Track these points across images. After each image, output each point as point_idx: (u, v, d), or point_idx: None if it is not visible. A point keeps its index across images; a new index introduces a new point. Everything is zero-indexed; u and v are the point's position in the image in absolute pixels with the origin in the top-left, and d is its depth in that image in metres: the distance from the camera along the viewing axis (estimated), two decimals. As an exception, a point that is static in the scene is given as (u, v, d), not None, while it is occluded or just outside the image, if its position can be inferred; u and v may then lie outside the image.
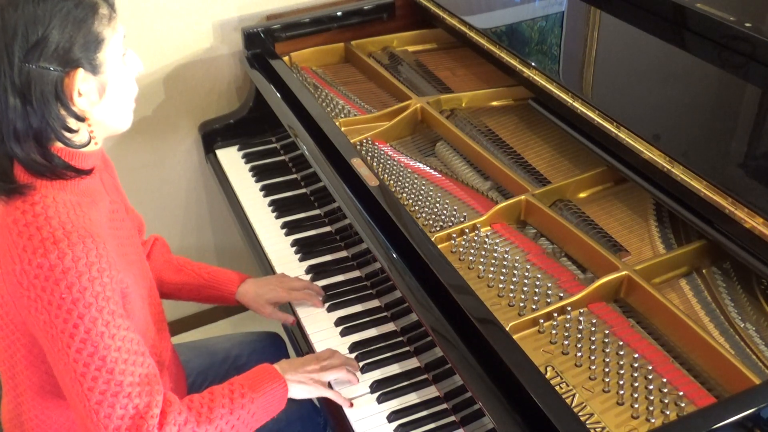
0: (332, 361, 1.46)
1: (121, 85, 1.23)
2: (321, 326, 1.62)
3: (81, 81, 1.16)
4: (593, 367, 1.31)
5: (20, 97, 1.13)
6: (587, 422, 1.23)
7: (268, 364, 1.40)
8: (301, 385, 1.39)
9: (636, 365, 1.30)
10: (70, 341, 1.13)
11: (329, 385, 1.46)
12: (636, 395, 1.26)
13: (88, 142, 1.23)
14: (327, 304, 1.66)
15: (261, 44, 2.19)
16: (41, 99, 1.13)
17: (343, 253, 1.81)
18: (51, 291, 1.12)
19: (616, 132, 1.52)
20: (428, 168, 1.82)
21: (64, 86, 1.15)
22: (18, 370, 1.30)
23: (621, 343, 1.35)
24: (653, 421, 1.23)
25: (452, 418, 1.40)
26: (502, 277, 1.50)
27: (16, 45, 1.11)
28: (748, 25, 1.61)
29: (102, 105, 1.21)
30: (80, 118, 1.19)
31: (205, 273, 1.67)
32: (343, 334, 1.59)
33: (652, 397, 1.25)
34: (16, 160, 1.18)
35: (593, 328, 1.37)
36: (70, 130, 1.19)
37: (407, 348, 1.55)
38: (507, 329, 1.33)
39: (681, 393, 1.25)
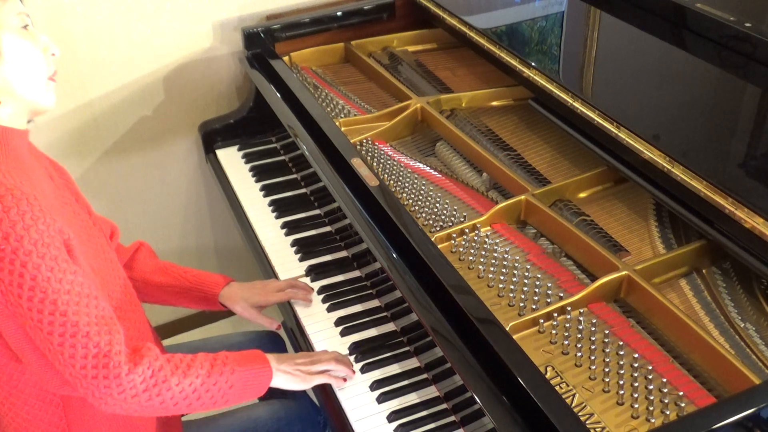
0: (322, 356, 1.47)
1: (20, 53, 1.23)
2: (321, 326, 1.62)
3: None
4: (593, 367, 1.31)
5: None
6: (587, 422, 1.23)
7: (259, 350, 1.42)
8: (287, 375, 1.41)
9: (636, 365, 1.30)
10: (20, 291, 1.15)
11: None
12: (636, 395, 1.26)
13: None
14: (327, 304, 1.66)
15: (261, 44, 2.19)
16: None
17: (343, 253, 1.81)
18: None
19: (616, 132, 1.52)
20: (428, 168, 1.82)
21: None
22: None
23: (621, 343, 1.35)
24: (653, 421, 1.23)
25: (452, 418, 1.40)
26: (502, 277, 1.50)
27: None
28: (748, 25, 1.62)
29: (2, 68, 1.22)
30: None
31: (190, 276, 1.66)
32: (343, 334, 1.59)
33: (652, 397, 1.25)
34: None
35: (593, 328, 1.37)
36: None
37: (407, 348, 1.55)
38: (507, 329, 1.33)
39: (681, 393, 1.25)
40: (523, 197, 1.62)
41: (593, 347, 1.34)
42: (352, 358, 1.53)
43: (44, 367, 1.28)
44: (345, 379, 1.47)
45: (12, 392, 1.33)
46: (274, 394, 1.76)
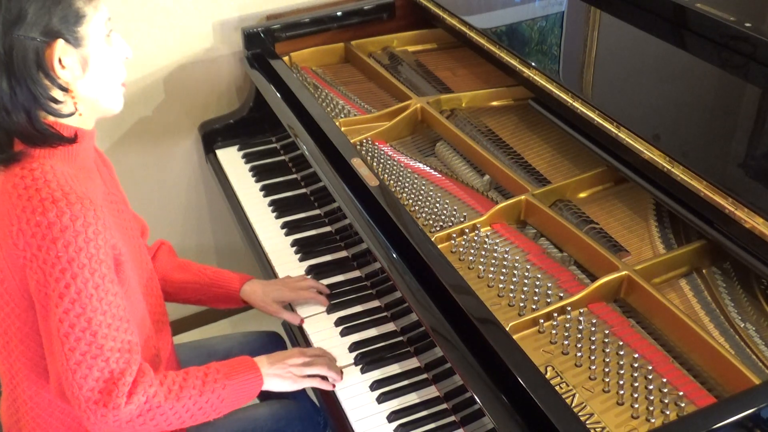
0: (316, 360, 1.47)
1: (104, 63, 1.26)
2: (321, 326, 1.62)
3: (62, 52, 1.19)
4: (593, 367, 1.31)
5: (4, 67, 1.17)
6: (587, 422, 1.23)
7: (248, 356, 1.42)
8: (278, 378, 1.42)
9: (636, 365, 1.30)
10: (59, 301, 1.17)
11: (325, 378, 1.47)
12: (636, 395, 1.26)
13: (74, 113, 1.26)
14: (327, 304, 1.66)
15: (261, 44, 2.19)
16: (23, 66, 1.17)
17: (343, 253, 1.81)
18: (47, 249, 1.16)
19: (616, 132, 1.52)
20: (428, 168, 1.82)
21: (45, 55, 1.18)
22: (12, 346, 1.31)
23: (621, 343, 1.35)
24: (653, 421, 1.23)
25: (452, 418, 1.40)
26: (502, 277, 1.50)
27: None
28: (748, 25, 1.62)
29: (86, 80, 1.24)
30: (64, 89, 1.22)
31: (209, 272, 1.68)
32: (343, 334, 1.59)
33: (652, 397, 1.25)
34: (6, 128, 1.21)
35: (593, 328, 1.37)
36: (56, 101, 1.22)
37: (407, 348, 1.55)
38: (507, 329, 1.33)
39: (681, 393, 1.25)
40: (523, 197, 1.62)
41: (593, 347, 1.34)
42: (351, 357, 1.53)
43: (54, 379, 1.27)
44: (334, 385, 1.47)
45: (37, 390, 1.34)
46: (273, 394, 1.77)
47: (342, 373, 1.50)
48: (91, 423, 1.21)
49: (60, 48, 1.19)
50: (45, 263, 1.16)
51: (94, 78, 1.25)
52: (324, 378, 1.47)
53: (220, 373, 1.34)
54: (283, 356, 1.45)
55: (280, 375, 1.42)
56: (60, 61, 1.19)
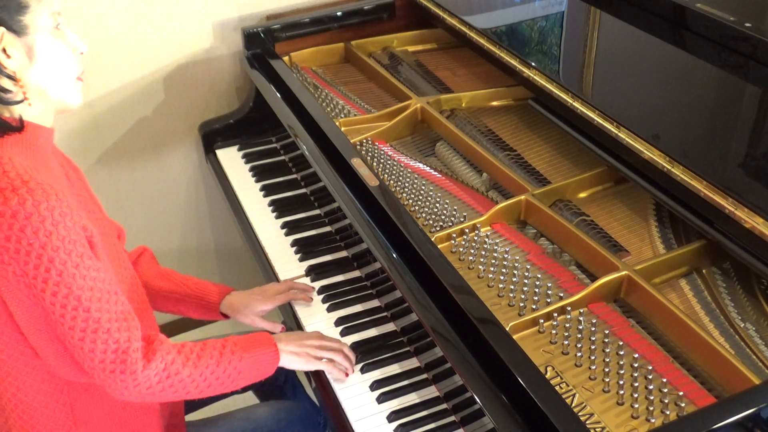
0: (333, 344, 1.49)
1: (53, 54, 1.25)
2: (321, 326, 1.62)
3: (5, 42, 1.19)
4: (593, 367, 1.31)
5: None
6: (587, 422, 1.23)
7: (266, 332, 1.45)
8: (294, 356, 1.44)
9: (636, 365, 1.30)
10: (44, 286, 1.18)
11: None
12: (636, 395, 1.26)
13: (22, 101, 1.25)
14: (327, 304, 1.66)
15: (261, 44, 2.19)
16: None
17: (343, 253, 1.81)
18: (17, 239, 1.16)
19: (616, 132, 1.52)
20: (428, 168, 1.82)
21: None
22: None
23: (621, 343, 1.35)
24: (653, 421, 1.23)
25: (452, 418, 1.40)
26: (502, 277, 1.50)
27: None
28: (748, 25, 1.62)
29: (35, 69, 1.24)
30: (11, 77, 1.22)
31: (191, 283, 1.67)
32: (343, 334, 1.59)
33: (652, 397, 1.25)
34: None
35: (593, 328, 1.37)
36: (4, 90, 1.22)
37: (407, 348, 1.55)
38: (507, 329, 1.33)
39: (681, 393, 1.25)
40: (523, 197, 1.62)
41: (593, 347, 1.34)
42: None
43: (62, 358, 1.29)
44: (347, 374, 1.48)
45: (20, 387, 1.34)
46: (273, 394, 1.77)
47: (352, 363, 1.50)
48: (114, 390, 1.24)
49: (2, 36, 1.18)
50: (18, 253, 1.16)
51: (43, 68, 1.25)
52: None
53: (238, 345, 1.37)
54: (302, 336, 1.48)
55: (296, 353, 1.44)
56: (4, 50, 1.19)
